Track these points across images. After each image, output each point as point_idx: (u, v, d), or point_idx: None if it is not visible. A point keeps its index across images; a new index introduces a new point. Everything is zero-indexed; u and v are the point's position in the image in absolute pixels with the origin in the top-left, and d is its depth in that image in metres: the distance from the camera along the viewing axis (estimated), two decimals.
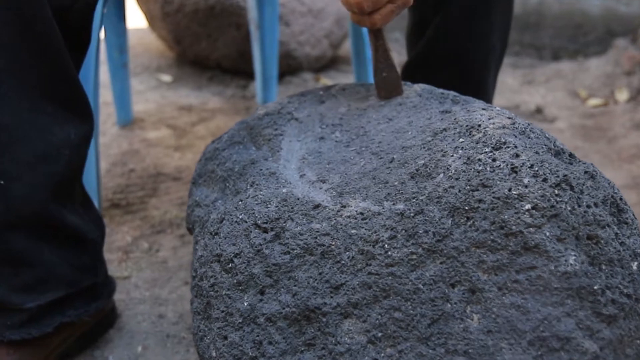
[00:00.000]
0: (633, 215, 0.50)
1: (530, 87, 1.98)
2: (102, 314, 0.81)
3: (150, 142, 1.45)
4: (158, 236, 1.05)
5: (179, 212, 1.12)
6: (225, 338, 0.49)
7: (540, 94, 1.92)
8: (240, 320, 0.48)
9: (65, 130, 0.67)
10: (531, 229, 0.45)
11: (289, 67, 1.87)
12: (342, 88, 0.70)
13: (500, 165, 0.48)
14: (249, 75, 1.84)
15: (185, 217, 1.08)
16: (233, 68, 1.92)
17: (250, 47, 1.79)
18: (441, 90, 0.66)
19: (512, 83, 2.02)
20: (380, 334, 0.45)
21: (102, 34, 1.33)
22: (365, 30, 1.18)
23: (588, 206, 0.46)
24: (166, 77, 1.95)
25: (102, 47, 1.50)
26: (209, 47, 1.89)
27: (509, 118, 0.54)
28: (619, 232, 0.47)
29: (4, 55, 0.60)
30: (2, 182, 0.63)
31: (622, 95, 1.84)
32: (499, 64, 0.87)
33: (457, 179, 0.48)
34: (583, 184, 0.47)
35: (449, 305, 0.44)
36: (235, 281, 0.50)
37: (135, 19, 2.38)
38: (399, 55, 1.93)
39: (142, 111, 1.64)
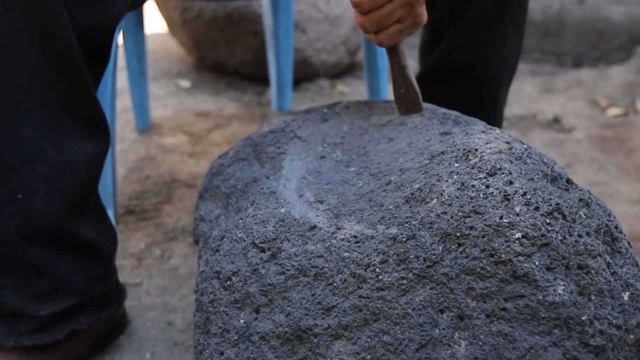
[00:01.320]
0: (628, 244, 0.50)
1: (549, 96, 1.96)
2: (113, 321, 0.83)
3: (167, 149, 1.48)
4: (170, 243, 1.08)
5: (191, 220, 1.15)
6: (222, 354, 0.51)
7: (559, 102, 1.90)
8: (236, 337, 0.50)
9: (81, 145, 0.69)
10: (521, 257, 0.45)
11: (306, 74, 1.88)
12: (346, 106, 0.71)
13: (493, 192, 0.48)
14: (266, 82, 1.86)
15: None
16: (250, 74, 1.94)
17: (267, 53, 1.81)
18: (444, 110, 0.66)
19: (530, 91, 2.00)
20: (369, 357, 0.46)
21: (120, 40, 1.36)
22: None
23: (580, 235, 0.46)
24: (185, 83, 1.98)
25: (122, 53, 1.54)
26: (227, 54, 1.92)
27: (507, 142, 0.55)
28: (611, 261, 0.47)
29: (26, 74, 0.62)
30: (20, 196, 0.66)
31: None
32: (512, 77, 0.87)
33: (450, 204, 0.49)
34: (576, 213, 0.48)
35: (437, 331, 0.45)
36: (232, 299, 0.51)
37: (158, 24, 2.43)
38: (415, 62, 1.93)
39: (160, 117, 1.68)
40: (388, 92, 1.27)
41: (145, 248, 1.06)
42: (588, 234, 0.47)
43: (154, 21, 2.42)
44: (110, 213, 1.12)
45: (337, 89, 1.92)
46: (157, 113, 1.70)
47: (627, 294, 0.46)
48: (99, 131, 0.72)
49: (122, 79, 1.74)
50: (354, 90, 1.92)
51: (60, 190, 0.68)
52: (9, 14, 0.59)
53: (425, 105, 0.68)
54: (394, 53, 0.66)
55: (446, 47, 0.82)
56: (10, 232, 0.67)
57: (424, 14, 0.63)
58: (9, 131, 0.64)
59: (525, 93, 1.98)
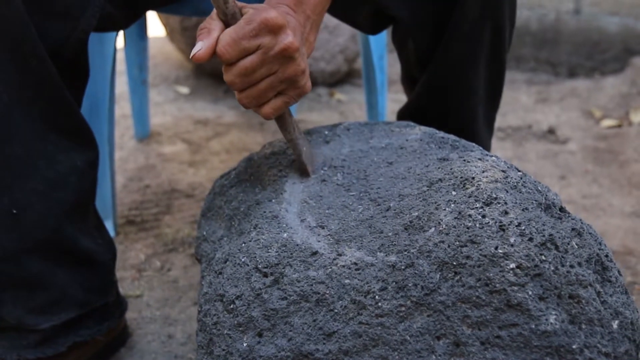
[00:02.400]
0: (618, 272, 0.52)
1: (544, 106, 1.98)
2: (114, 333, 0.85)
3: (166, 157, 1.50)
4: (170, 255, 1.09)
5: (190, 231, 1.16)
6: None
7: (554, 112, 1.92)
8: None
9: (70, 158, 0.70)
10: (515, 287, 0.47)
11: None
12: (347, 128, 0.73)
13: (489, 222, 0.50)
14: None
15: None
16: None
17: None
18: (442, 135, 0.68)
19: (526, 101, 2.02)
20: None
21: (120, 44, 1.36)
22: (375, 55, 1.20)
23: (571, 266, 0.48)
24: (184, 89, 1.99)
25: (121, 58, 1.55)
26: None
27: (503, 171, 0.56)
28: (601, 290, 0.49)
29: (9, 92, 0.64)
30: (14, 211, 0.67)
31: (637, 117, 1.83)
32: (494, 110, 0.83)
33: (447, 234, 0.51)
34: (568, 243, 0.49)
35: (434, 357, 0.47)
36: (235, 322, 0.53)
37: (157, 28, 2.43)
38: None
39: (159, 124, 1.69)
40: (386, 107, 1.29)
41: (145, 259, 1.08)
42: (579, 264, 0.49)
43: (152, 25, 2.42)
44: (111, 223, 1.13)
45: (335, 97, 1.93)
46: (156, 120, 1.71)
47: (617, 322, 0.48)
48: (85, 143, 0.73)
49: (121, 84, 1.75)
50: (351, 98, 1.94)
51: (54, 203, 0.70)
52: None
53: (424, 129, 0.70)
54: (285, 118, 0.62)
55: (420, 91, 0.81)
56: (7, 247, 0.69)
57: (308, 85, 0.61)
58: None
59: (520, 103, 2.01)
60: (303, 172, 0.64)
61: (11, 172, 0.66)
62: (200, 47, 0.55)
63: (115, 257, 0.82)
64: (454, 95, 0.77)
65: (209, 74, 2.07)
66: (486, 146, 0.86)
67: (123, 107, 1.73)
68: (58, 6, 0.65)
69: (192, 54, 0.56)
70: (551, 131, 1.75)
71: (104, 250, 0.79)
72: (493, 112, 0.83)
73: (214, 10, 0.57)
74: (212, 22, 0.57)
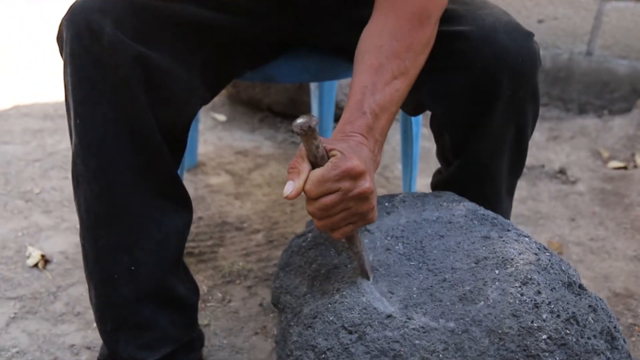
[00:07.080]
0: (624, 341, 0.67)
1: (555, 144, 2.12)
2: None
3: (213, 188, 1.65)
4: (229, 286, 1.24)
5: (244, 264, 1.31)
6: None
7: (565, 151, 2.06)
8: None
9: (173, 221, 0.86)
10: (546, 353, 0.62)
11: (336, 116, 2.05)
12: (402, 200, 0.88)
13: (526, 300, 0.65)
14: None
15: (270, 289, 1.26)
16: (282, 112, 2.11)
17: (300, 94, 1.97)
18: (482, 212, 0.83)
19: (538, 138, 2.17)
20: None
21: None
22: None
23: (589, 338, 0.64)
24: (221, 117, 2.14)
25: None
26: (262, 92, 2.09)
27: (535, 254, 0.72)
28: (610, 356, 0.64)
29: (128, 170, 0.80)
30: (133, 268, 0.83)
31: None
32: (514, 180, 0.96)
33: (494, 307, 0.66)
34: (586, 319, 0.65)
35: None
36: None
37: None
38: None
39: (202, 154, 1.84)
40: (420, 155, 1.43)
41: (207, 291, 1.23)
42: (595, 336, 0.64)
43: None
44: None
45: None
46: (200, 149, 1.86)
47: None
48: (184, 206, 0.89)
49: None
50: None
51: (162, 259, 0.85)
52: (113, 125, 0.77)
53: (467, 205, 0.85)
54: (349, 239, 0.72)
55: (452, 174, 0.93)
56: (126, 297, 0.84)
57: (375, 216, 0.70)
58: (121, 219, 0.81)
59: (533, 140, 2.14)
60: (365, 277, 0.74)
61: (130, 236, 0.82)
62: (292, 188, 0.64)
63: (199, 297, 0.97)
64: (481, 180, 0.92)
65: (244, 102, 2.22)
66: (507, 211, 1.01)
67: None
68: (171, 97, 0.81)
69: (284, 194, 0.65)
70: (562, 171, 1.90)
71: (192, 293, 0.94)
72: (514, 181, 0.98)
73: (303, 149, 0.65)
74: (302, 164, 0.65)
